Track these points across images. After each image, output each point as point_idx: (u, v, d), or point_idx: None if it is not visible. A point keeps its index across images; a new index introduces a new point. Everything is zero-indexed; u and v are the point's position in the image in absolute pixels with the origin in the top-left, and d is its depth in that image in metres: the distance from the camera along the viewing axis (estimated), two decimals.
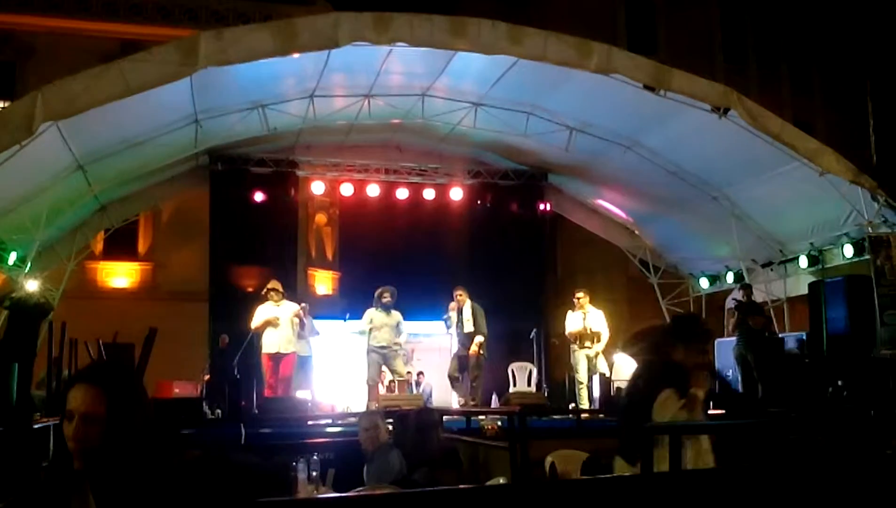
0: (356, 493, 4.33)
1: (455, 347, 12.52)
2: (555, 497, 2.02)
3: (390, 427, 6.38)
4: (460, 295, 12.01)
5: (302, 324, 11.46)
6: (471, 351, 11.84)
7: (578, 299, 12.28)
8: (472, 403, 11.72)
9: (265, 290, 11.51)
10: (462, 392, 12.27)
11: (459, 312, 11.96)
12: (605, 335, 12.17)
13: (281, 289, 11.55)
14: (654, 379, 4.12)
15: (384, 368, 11.76)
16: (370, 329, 11.55)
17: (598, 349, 12.09)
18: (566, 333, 12.38)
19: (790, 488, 2.40)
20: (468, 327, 11.85)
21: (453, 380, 12.16)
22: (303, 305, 11.90)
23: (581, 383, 12.08)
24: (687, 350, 4.11)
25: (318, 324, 12.66)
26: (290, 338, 11.30)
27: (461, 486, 4.12)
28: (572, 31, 10.75)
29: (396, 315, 11.64)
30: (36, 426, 6.12)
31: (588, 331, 12.07)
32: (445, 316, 12.14)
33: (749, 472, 2.68)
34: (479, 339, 11.82)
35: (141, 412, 2.44)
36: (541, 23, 12.72)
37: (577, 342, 12.16)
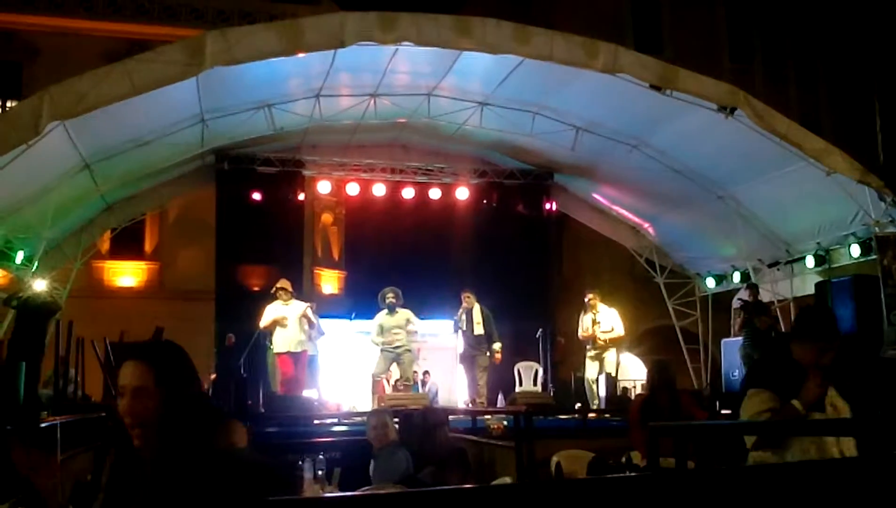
0: (362, 492, 4.34)
1: (461, 348, 12.54)
2: (560, 497, 2.02)
3: (398, 426, 6.40)
4: (468, 297, 12.05)
5: (311, 324, 11.46)
6: (495, 359, 12.09)
7: (589, 299, 12.28)
8: (479, 401, 11.75)
9: (274, 289, 11.49)
10: (472, 392, 12.31)
11: (468, 314, 11.98)
12: (619, 331, 12.25)
13: (290, 288, 11.54)
14: (751, 377, 3.95)
15: (392, 367, 11.78)
16: (383, 331, 11.59)
17: (607, 338, 12.08)
18: (579, 336, 12.44)
19: (797, 487, 2.39)
20: (478, 330, 11.90)
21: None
22: (310, 304, 11.90)
23: (592, 381, 12.15)
24: (805, 347, 3.73)
25: (324, 323, 12.67)
26: (300, 338, 11.28)
27: (467, 486, 4.12)
28: (578, 30, 10.73)
29: (404, 314, 11.64)
30: (43, 425, 6.13)
31: (598, 333, 12.08)
32: (456, 317, 12.16)
33: (756, 471, 2.68)
34: (499, 345, 12.02)
35: (190, 386, 2.52)
36: (547, 22, 12.70)
37: (590, 344, 12.22)
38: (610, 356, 12.19)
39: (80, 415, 7.11)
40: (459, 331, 12.23)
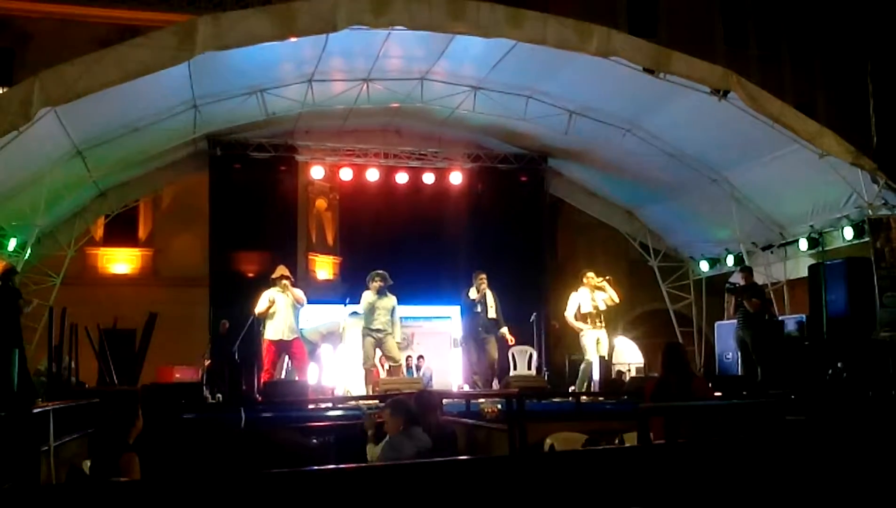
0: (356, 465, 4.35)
1: (462, 330, 12.39)
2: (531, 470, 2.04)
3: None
4: (483, 278, 11.85)
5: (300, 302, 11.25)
6: (510, 340, 12.04)
7: (589, 278, 11.77)
8: (493, 379, 11.69)
9: (279, 275, 11.25)
10: (467, 376, 12.24)
11: (483, 297, 11.80)
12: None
13: (290, 276, 11.37)
14: None
15: (379, 351, 11.69)
16: (374, 310, 11.45)
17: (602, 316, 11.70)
18: (572, 314, 11.71)
19: (785, 461, 2.41)
20: (492, 313, 11.79)
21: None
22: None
23: (591, 363, 11.57)
24: None
25: (319, 308, 12.57)
26: (292, 325, 11.14)
27: (459, 457, 4.14)
28: (573, 13, 10.71)
29: (391, 299, 11.51)
30: (36, 411, 6.13)
31: (598, 310, 11.73)
32: (473, 298, 11.83)
33: (745, 448, 2.69)
34: (505, 329, 11.94)
35: None
36: (541, 6, 12.64)
37: (590, 323, 11.61)
38: (603, 336, 11.71)
39: (73, 401, 7.11)
40: (473, 312, 11.86)
